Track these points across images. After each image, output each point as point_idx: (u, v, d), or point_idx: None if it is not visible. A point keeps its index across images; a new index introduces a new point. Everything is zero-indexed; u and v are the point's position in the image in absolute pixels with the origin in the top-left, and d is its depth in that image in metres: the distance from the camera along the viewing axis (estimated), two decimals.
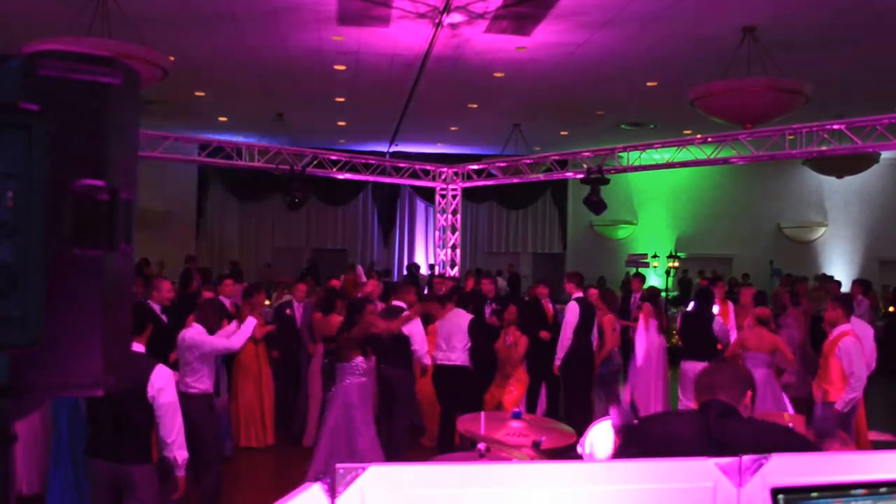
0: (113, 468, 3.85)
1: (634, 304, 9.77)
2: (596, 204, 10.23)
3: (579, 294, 7.83)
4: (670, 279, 17.14)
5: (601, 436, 2.60)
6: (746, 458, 1.11)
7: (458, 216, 12.38)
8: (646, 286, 10.29)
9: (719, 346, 7.43)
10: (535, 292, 8.67)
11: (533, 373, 7.52)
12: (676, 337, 9.62)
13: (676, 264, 17.44)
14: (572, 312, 7.56)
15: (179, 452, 3.85)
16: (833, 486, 1.15)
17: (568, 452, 3.85)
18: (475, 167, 12.09)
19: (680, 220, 19.73)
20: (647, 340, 8.57)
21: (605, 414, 7.25)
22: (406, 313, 6.80)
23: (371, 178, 12.45)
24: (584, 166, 10.44)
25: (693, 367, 6.96)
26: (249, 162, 10.61)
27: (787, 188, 19.61)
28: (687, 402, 7.30)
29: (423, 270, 16.96)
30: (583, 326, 7.56)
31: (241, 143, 10.85)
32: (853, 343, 5.75)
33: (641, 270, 12.46)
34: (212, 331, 5.38)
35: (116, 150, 1.00)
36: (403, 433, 6.76)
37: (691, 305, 8.48)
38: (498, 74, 10.86)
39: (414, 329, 6.76)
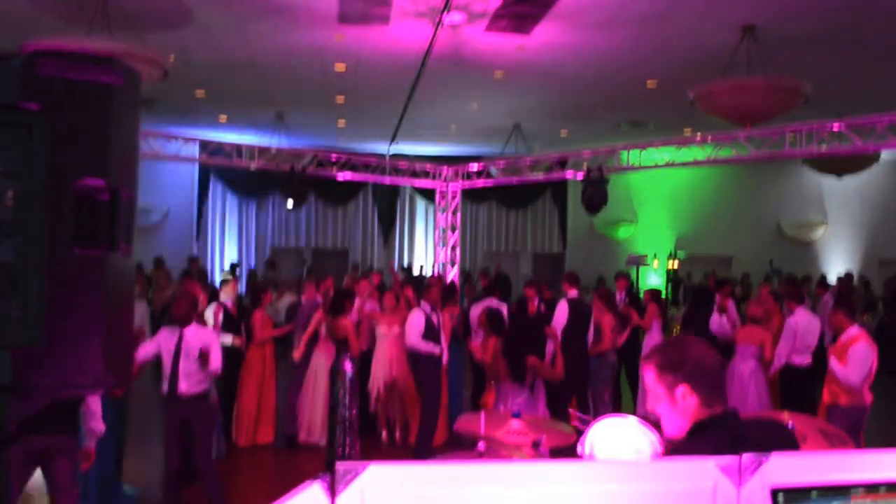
0: (48, 441, 4.03)
1: (621, 302, 9.74)
2: (594, 203, 10.19)
3: (573, 294, 7.83)
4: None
5: (601, 436, 2.59)
6: (746, 458, 1.11)
7: (458, 216, 12.37)
8: (645, 287, 10.30)
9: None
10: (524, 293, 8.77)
11: (527, 374, 7.55)
12: None
13: (676, 264, 17.43)
14: (561, 312, 7.55)
15: (97, 424, 4.31)
16: (833, 486, 1.14)
17: (568, 452, 3.85)
18: (475, 167, 12.09)
19: (680, 220, 19.72)
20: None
21: (600, 412, 7.24)
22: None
23: (371, 178, 12.44)
24: (585, 166, 10.42)
25: None
26: (249, 162, 10.60)
27: (787, 188, 19.59)
28: None
29: (426, 270, 16.95)
30: (575, 327, 7.51)
31: (242, 143, 10.84)
32: (861, 351, 5.75)
33: (642, 270, 12.45)
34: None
35: (116, 150, 1.00)
36: None
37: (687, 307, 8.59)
38: (498, 74, 10.86)
39: None
